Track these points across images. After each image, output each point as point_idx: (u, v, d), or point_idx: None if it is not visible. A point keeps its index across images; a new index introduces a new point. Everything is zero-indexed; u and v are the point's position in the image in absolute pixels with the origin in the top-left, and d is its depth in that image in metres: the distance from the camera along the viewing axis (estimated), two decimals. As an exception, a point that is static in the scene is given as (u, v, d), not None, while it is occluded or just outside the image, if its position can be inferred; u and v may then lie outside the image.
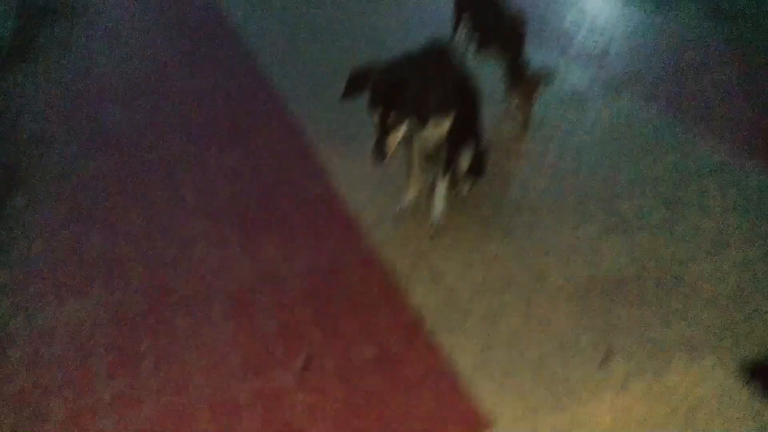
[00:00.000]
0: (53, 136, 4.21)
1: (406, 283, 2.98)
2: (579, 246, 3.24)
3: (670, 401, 2.37)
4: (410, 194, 3.31)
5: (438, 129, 2.88)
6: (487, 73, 4.04)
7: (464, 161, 3.20)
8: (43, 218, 3.43)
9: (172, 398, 2.42)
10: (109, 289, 2.95)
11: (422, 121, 2.68)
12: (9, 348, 2.63)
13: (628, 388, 2.43)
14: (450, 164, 3.13)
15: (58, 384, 2.48)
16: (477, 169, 3.11)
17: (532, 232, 3.33)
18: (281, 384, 2.49)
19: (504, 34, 3.88)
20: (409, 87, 2.52)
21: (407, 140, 2.89)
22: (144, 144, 4.14)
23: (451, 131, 2.93)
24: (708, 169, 3.89)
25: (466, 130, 3.06)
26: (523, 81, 4.05)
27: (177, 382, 2.49)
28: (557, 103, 4.69)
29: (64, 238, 3.29)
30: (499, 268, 3.08)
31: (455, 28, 4.29)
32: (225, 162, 3.96)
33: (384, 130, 2.54)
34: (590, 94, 4.83)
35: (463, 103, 2.99)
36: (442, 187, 3.30)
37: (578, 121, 4.44)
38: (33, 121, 4.39)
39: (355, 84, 2.56)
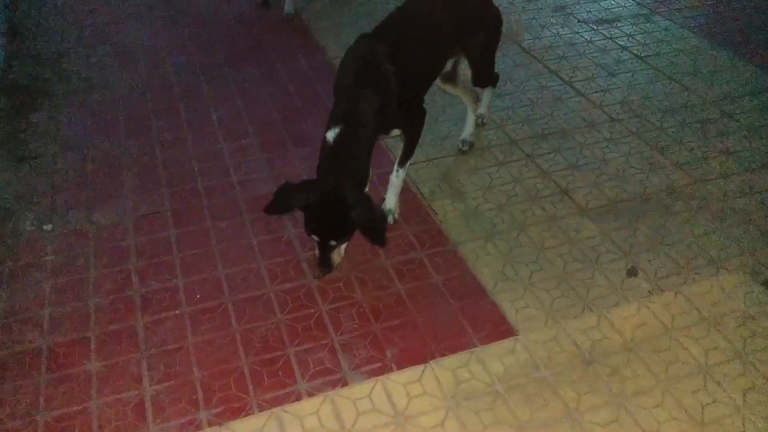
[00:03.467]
0: (74, 51, 4.17)
1: (430, 201, 2.97)
2: (607, 165, 3.20)
3: (696, 311, 2.38)
4: None
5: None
6: None
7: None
8: (69, 128, 3.45)
9: (205, 304, 2.47)
10: (139, 197, 2.98)
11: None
12: (43, 250, 2.69)
13: (652, 299, 2.44)
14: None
15: (92, 283, 2.54)
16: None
17: (560, 152, 3.29)
18: (307, 289, 2.53)
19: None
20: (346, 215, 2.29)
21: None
22: (164, 62, 4.09)
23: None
24: (740, 91, 3.79)
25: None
26: None
27: (208, 285, 2.54)
28: (589, 22, 4.55)
29: (91, 147, 3.31)
30: (524, 186, 3.06)
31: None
32: (246, 79, 3.91)
33: (325, 252, 2.38)
34: (623, 14, 4.67)
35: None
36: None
37: (610, 42, 4.31)
38: (52, 38, 4.34)
39: (282, 201, 2.35)
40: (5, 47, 4.16)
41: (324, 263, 2.42)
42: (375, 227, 2.33)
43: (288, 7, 4.63)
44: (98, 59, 4.10)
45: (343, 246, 2.44)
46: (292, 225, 2.82)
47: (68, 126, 3.47)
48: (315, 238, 2.37)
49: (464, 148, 3.28)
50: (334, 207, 2.28)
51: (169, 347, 2.30)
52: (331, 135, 2.38)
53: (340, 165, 2.37)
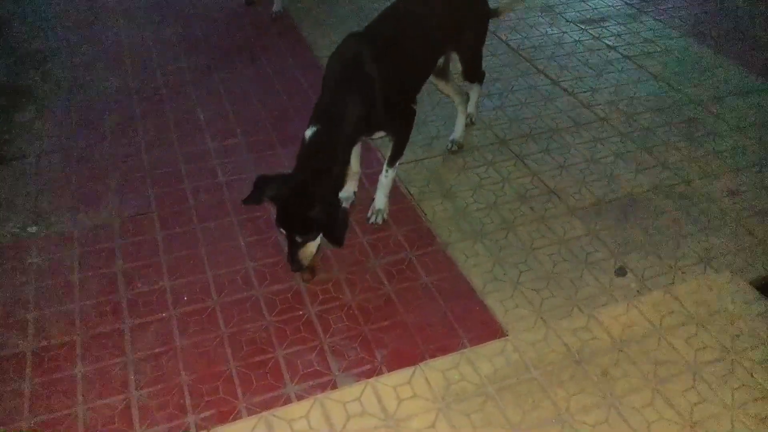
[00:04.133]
0: (59, 51, 4.12)
1: (419, 201, 2.96)
2: (595, 164, 3.20)
3: (684, 311, 2.39)
4: (348, 188, 2.89)
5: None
6: None
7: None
8: (53, 129, 3.40)
9: (193, 306, 2.44)
10: (125, 198, 2.95)
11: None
12: (27, 253, 2.65)
13: (641, 299, 2.45)
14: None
15: (77, 286, 2.51)
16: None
17: (548, 152, 3.29)
18: (296, 290, 2.51)
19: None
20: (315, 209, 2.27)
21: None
22: (150, 61, 4.05)
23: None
24: (727, 91, 3.81)
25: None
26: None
27: (196, 288, 2.51)
28: (577, 22, 4.55)
29: (76, 148, 3.26)
30: (513, 186, 3.06)
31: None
32: (234, 79, 3.88)
33: (293, 247, 2.34)
34: (610, 14, 4.68)
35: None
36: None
37: (598, 42, 4.32)
38: (38, 36, 4.28)
39: (259, 193, 2.33)
40: (-12, 46, 4.11)
41: (293, 260, 2.38)
42: (332, 227, 2.31)
43: (276, 6, 4.60)
44: (84, 59, 4.05)
45: (313, 244, 2.40)
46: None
47: (53, 126, 3.43)
48: (282, 231, 2.35)
49: (453, 149, 3.27)
50: (300, 202, 2.27)
51: (156, 351, 2.27)
52: (309, 133, 2.37)
53: (314, 163, 2.36)
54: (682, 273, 2.61)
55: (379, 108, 2.47)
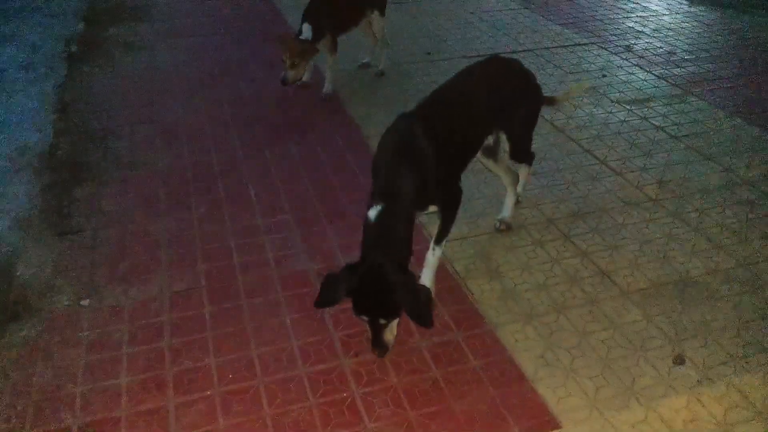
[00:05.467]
0: (119, 129, 4.32)
1: (465, 280, 2.93)
2: (647, 246, 3.13)
3: (750, 405, 2.25)
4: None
5: None
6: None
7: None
8: (110, 204, 3.52)
9: (237, 385, 2.42)
10: (176, 272, 3.00)
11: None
12: (79, 325, 2.69)
13: (702, 390, 2.32)
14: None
15: (125, 361, 2.52)
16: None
17: (598, 233, 3.23)
18: (340, 370, 2.47)
19: None
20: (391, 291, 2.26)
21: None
22: (205, 139, 4.21)
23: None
24: (784, 172, 3.73)
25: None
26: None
27: (241, 365, 2.50)
28: (622, 103, 4.58)
29: (132, 223, 3.36)
30: (562, 267, 3.00)
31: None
32: (284, 156, 3.99)
33: (378, 331, 2.31)
34: (656, 94, 4.70)
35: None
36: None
37: (644, 122, 4.32)
38: (100, 115, 4.51)
39: (329, 294, 2.31)
40: (55, 124, 4.35)
41: (378, 343, 2.33)
42: (419, 309, 2.26)
43: (327, 88, 4.77)
44: (142, 136, 4.24)
45: (395, 323, 2.36)
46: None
47: (110, 201, 3.56)
48: (365, 318, 2.31)
49: (501, 228, 3.25)
50: (378, 285, 2.25)
51: (200, 430, 2.24)
52: (372, 213, 2.37)
53: (382, 242, 2.35)
54: (746, 362, 2.48)
55: (431, 183, 2.50)
